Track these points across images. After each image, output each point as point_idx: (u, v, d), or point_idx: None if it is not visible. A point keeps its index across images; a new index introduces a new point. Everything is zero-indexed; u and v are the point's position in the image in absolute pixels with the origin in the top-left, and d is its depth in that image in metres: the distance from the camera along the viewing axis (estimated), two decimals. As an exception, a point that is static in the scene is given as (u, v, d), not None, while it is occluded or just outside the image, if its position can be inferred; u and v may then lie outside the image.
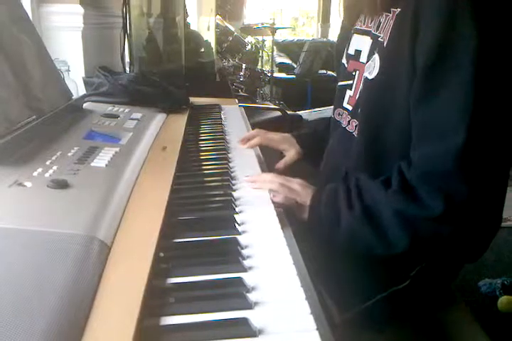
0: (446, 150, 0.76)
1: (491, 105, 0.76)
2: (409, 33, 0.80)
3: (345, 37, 1.09)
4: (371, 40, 0.93)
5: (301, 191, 0.91)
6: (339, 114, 1.06)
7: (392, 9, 0.86)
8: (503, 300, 2.02)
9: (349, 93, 1.02)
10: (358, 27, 1.01)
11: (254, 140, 1.22)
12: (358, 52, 0.98)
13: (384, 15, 0.89)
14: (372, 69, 0.89)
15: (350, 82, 1.01)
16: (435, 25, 0.76)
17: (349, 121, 1.00)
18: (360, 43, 0.98)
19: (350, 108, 1.01)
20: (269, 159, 1.20)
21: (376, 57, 0.88)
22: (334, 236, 0.85)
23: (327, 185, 0.91)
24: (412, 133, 0.83)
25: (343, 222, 0.84)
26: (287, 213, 0.87)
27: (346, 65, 1.04)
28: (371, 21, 0.95)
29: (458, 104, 0.75)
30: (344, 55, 1.07)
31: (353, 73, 1.00)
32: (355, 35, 1.03)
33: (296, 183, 0.93)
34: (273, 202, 0.89)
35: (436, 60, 0.76)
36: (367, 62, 0.93)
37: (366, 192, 0.84)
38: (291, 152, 1.23)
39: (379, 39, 0.89)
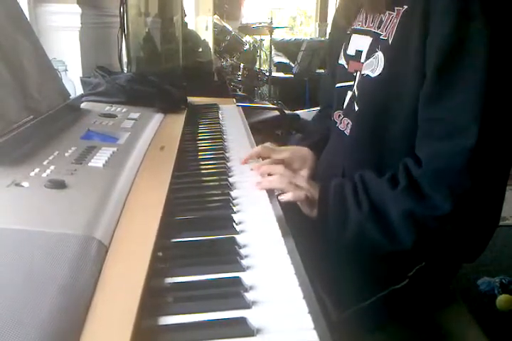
0: (457, 149, 0.76)
1: (504, 104, 0.76)
2: (418, 31, 0.80)
3: (339, 37, 1.08)
4: (371, 39, 0.93)
5: (309, 188, 0.90)
6: (339, 116, 1.04)
7: (396, 8, 0.86)
8: (501, 298, 2.02)
9: (350, 94, 1.01)
10: (358, 27, 1.00)
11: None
12: (359, 53, 0.97)
13: (387, 14, 0.89)
14: (375, 67, 0.88)
15: (351, 83, 1.00)
16: (446, 25, 0.76)
17: (341, 120, 1.00)
18: (361, 43, 0.97)
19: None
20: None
21: (380, 55, 0.88)
22: (343, 232, 0.85)
23: (332, 181, 0.90)
24: (419, 130, 0.83)
25: (351, 219, 0.83)
26: (286, 211, 0.87)
27: (346, 66, 1.03)
28: (371, 21, 0.95)
29: (470, 103, 0.75)
30: (342, 56, 1.05)
31: (354, 74, 0.99)
32: (354, 35, 1.01)
33: (302, 180, 0.92)
34: (278, 201, 0.89)
35: (448, 59, 0.77)
36: (366, 60, 0.92)
37: (373, 188, 0.84)
38: (303, 172, 1.10)
39: (381, 37, 0.89)
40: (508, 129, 0.78)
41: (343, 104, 1.02)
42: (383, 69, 0.87)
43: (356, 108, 0.94)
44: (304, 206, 0.91)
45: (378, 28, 0.90)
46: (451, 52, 0.76)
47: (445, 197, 0.76)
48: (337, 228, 0.86)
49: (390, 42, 0.86)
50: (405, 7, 0.85)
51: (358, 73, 0.97)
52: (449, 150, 0.77)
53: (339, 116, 1.04)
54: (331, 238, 0.89)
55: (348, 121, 0.96)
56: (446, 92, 0.78)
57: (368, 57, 0.92)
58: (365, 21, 0.97)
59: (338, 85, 1.05)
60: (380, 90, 0.88)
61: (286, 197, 0.89)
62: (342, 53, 1.05)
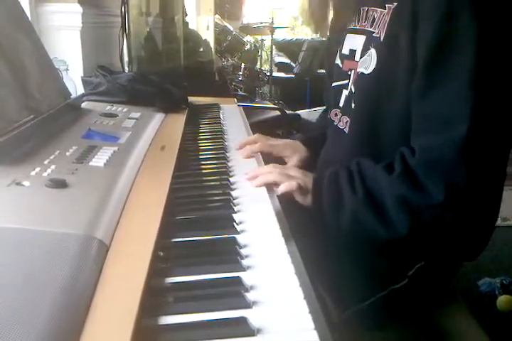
0: (450, 139, 0.77)
1: (494, 95, 0.77)
2: (407, 27, 0.81)
3: (336, 38, 1.09)
4: (365, 37, 0.94)
5: (302, 177, 0.91)
6: (336, 115, 1.05)
7: (387, 5, 0.87)
8: (502, 299, 2.02)
9: (345, 92, 1.02)
10: (352, 27, 1.01)
11: (255, 147, 1.14)
12: (353, 52, 0.98)
13: (378, 12, 0.89)
14: (368, 64, 0.90)
15: (346, 81, 1.01)
16: (435, 19, 0.77)
17: (340, 118, 1.00)
18: (355, 42, 0.98)
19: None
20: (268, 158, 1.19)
21: (373, 52, 0.89)
22: (338, 220, 0.85)
23: (328, 169, 0.91)
24: (413, 124, 0.83)
25: (346, 205, 0.84)
26: (286, 211, 0.87)
27: (341, 65, 1.04)
28: (365, 20, 0.95)
29: (461, 95, 0.76)
30: (338, 56, 1.06)
31: (349, 73, 1.00)
32: (348, 35, 1.03)
33: (294, 171, 0.93)
34: (278, 199, 0.89)
35: (437, 53, 0.77)
36: (360, 58, 0.93)
37: (368, 175, 0.84)
38: (293, 159, 1.16)
39: (374, 35, 0.90)
40: (500, 120, 0.78)
41: (339, 103, 1.03)
42: (376, 66, 0.88)
43: (353, 106, 0.95)
44: (297, 195, 0.91)
45: (371, 26, 0.92)
46: (439, 46, 0.77)
47: (438, 186, 0.77)
48: (332, 215, 0.86)
49: (381, 39, 0.87)
50: (395, 4, 0.86)
51: (353, 71, 0.98)
52: (441, 141, 0.78)
53: (336, 114, 1.05)
54: (329, 231, 0.89)
55: (347, 119, 0.97)
56: (435, 86, 0.79)
57: (362, 55, 0.93)
58: (359, 21, 0.98)
59: (334, 84, 1.07)
60: (374, 87, 0.89)
61: (280, 189, 0.90)
62: (338, 53, 1.06)
